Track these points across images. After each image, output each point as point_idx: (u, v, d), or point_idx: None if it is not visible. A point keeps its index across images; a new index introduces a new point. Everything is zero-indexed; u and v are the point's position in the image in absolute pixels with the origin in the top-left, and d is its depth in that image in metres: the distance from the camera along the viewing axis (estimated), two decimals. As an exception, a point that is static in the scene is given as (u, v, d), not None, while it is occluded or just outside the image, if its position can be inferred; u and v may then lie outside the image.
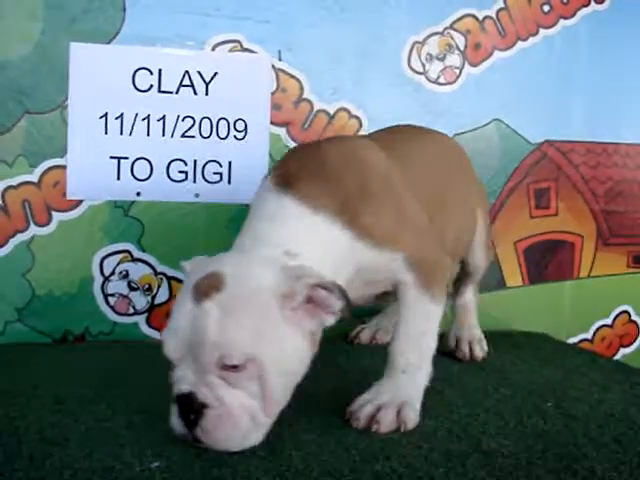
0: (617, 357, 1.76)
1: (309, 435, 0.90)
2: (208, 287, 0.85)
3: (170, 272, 1.48)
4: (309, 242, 0.93)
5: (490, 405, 1.04)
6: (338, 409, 0.98)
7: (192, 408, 0.82)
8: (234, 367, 0.82)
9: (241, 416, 0.83)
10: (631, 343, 1.78)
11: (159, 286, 1.48)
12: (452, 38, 1.59)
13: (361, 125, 1.54)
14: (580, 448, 0.88)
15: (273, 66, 1.49)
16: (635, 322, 1.77)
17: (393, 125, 1.33)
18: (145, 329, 1.48)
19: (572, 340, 1.70)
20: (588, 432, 0.94)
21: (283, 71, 1.50)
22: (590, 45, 1.67)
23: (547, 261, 1.69)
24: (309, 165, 1.00)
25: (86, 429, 0.91)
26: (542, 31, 1.65)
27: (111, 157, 1.43)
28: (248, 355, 0.82)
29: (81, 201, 1.43)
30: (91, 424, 0.93)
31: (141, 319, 1.47)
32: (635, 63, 1.71)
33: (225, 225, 1.48)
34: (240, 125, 1.49)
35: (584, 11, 1.67)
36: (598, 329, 1.74)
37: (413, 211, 1.04)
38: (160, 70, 1.44)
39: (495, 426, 0.95)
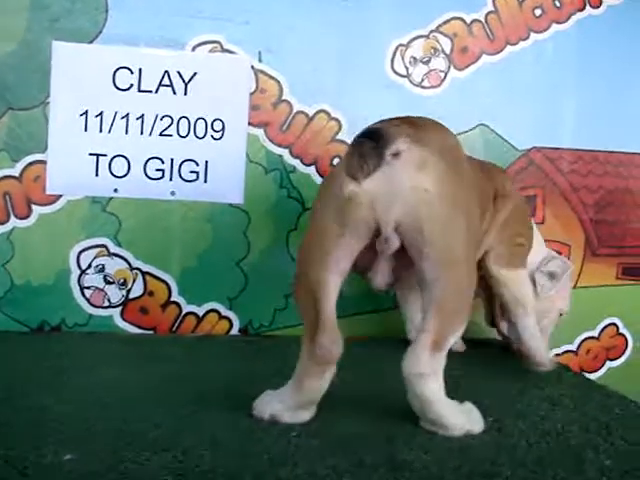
0: (603, 370, 1.72)
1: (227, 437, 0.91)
2: None
3: (145, 267, 1.50)
4: None
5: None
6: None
7: None
8: None
9: None
10: (619, 356, 1.74)
11: (134, 280, 1.50)
12: (438, 41, 1.58)
13: (340, 127, 1.54)
14: (497, 466, 0.86)
15: (253, 67, 1.50)
16: (624, 335, 1.73)
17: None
18: (119, 322, 1.50)
19: (555, 351, 1.67)
20: (514, 450, 0.92)
21: (263, 72, 1.50)
22: (583, 50, 1.64)
23: (532, 270, 1.65)
24: None
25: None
26: (533, 35, 1.62)
27: (90, 154, 1.46)
28: None
29: (60, 196, 1.46)
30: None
31: (116, 312, 1.50)
32: (630, 69, 1.67)
33: (200, 223, 1.50)
34: (218, 125, 1.50)
35: (579, 15, 1.64)
36: (583, 341, 1.71)
37: None
38: (140, 70, 1.46)
39: (421, 440, 0.94)
